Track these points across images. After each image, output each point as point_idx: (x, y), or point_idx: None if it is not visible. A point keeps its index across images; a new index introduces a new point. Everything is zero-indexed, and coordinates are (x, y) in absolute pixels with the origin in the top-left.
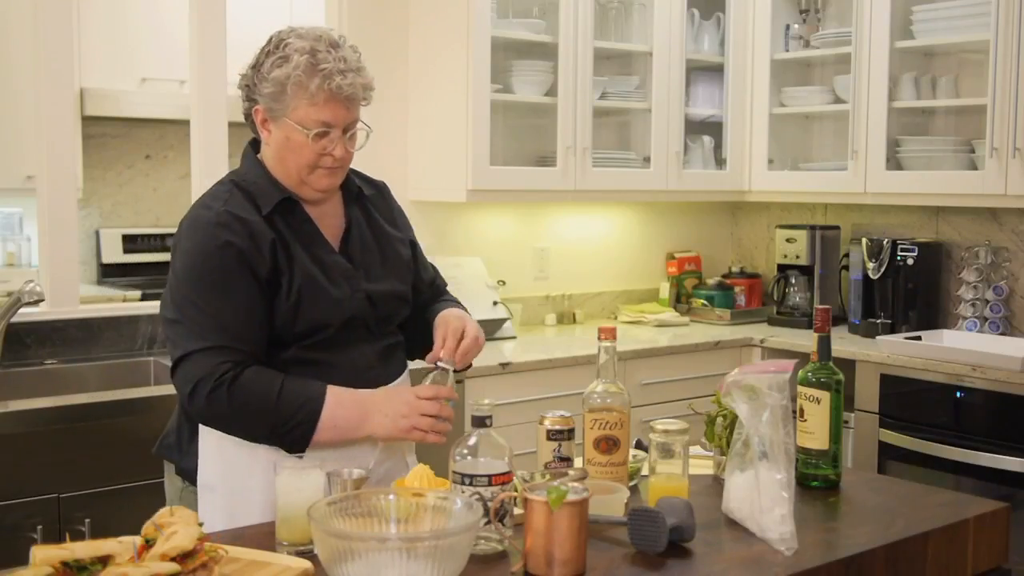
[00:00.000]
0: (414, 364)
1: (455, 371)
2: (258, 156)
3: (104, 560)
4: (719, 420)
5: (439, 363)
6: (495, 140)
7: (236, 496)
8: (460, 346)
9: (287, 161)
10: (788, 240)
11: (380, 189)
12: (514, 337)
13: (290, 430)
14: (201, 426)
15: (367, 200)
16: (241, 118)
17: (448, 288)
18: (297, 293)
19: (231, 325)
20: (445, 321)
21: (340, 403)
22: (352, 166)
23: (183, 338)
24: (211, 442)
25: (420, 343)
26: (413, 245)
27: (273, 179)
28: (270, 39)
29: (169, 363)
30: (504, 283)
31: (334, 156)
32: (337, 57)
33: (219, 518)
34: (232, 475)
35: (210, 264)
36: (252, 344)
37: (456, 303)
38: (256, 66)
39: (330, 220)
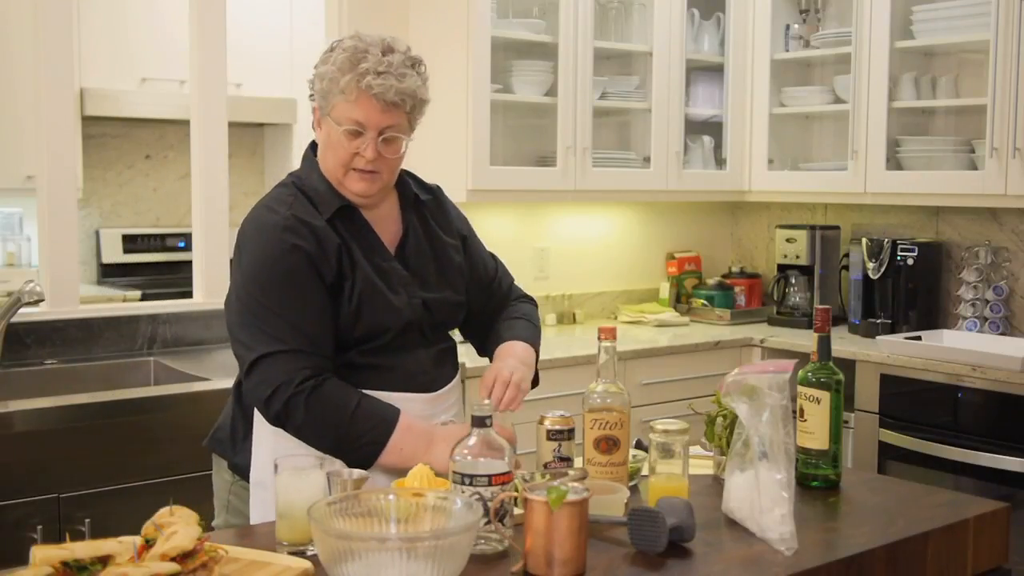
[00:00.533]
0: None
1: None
2: (316, 159)
3: (104, 560)
4: (719, 420)
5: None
6: (495, 140)
7: None
8: (504, 396)
9: (327, 160)
10: (788, 240)
11: (435, 193)
12: None
13: (359, 448)
14: (256, 424)
15: (424, 206)
16: (241, 118)
17: (518, 292)
18: (358, 298)
19: (307, 329)
20: (497, 368)
21: (410, 429)
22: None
23: (258, 340)
24: (266, 441)
25: (488, 344)
26: (465, 244)
27: (330, 184)
28: (334, 41)
29: (241, 365)
30: None
31: (365, 157)
32: (381, 60)
33: (270, 515)
34: None
35: (280, 267)
36: (326, 348)
37: (527, 314)
38: (316, 66)
39: (387, 226)
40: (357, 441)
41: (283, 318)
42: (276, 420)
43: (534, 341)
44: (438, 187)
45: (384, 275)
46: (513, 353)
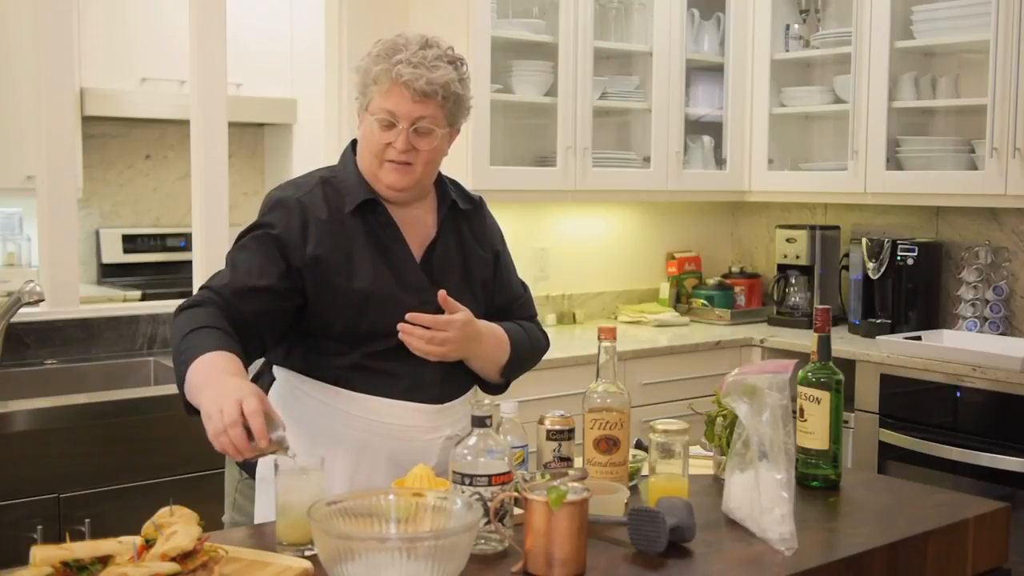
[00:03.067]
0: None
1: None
2: (354, 155)
3: (104, 560)
4: (719, 420)
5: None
6: (495, 140)
7: None
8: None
9: (364, 154)
10: (788, 240)
11: (476, 204)
12: None
13: (176, 369)
14: None
15: (460, 214)
16: (241, 118)
17: (534, 321)
18: (362, 294)
19: (234, 279)
20: (461, 310)
21: (203, 367)
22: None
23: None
24: None
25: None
26: (496, 260)
27: (362, 179)
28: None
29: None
30: None
31: (396, 148)
32: (416, 53)
33: (274, 513)
34: None
35: (253, 234)
36: (242, 303)
37: (528, 329)
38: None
39: (418, 228)
40: (176, 360)
41: (229, 273)
42: None
43: (516, 341)
44: (481, 199)
45: (398, 275)
46: (483, 323)
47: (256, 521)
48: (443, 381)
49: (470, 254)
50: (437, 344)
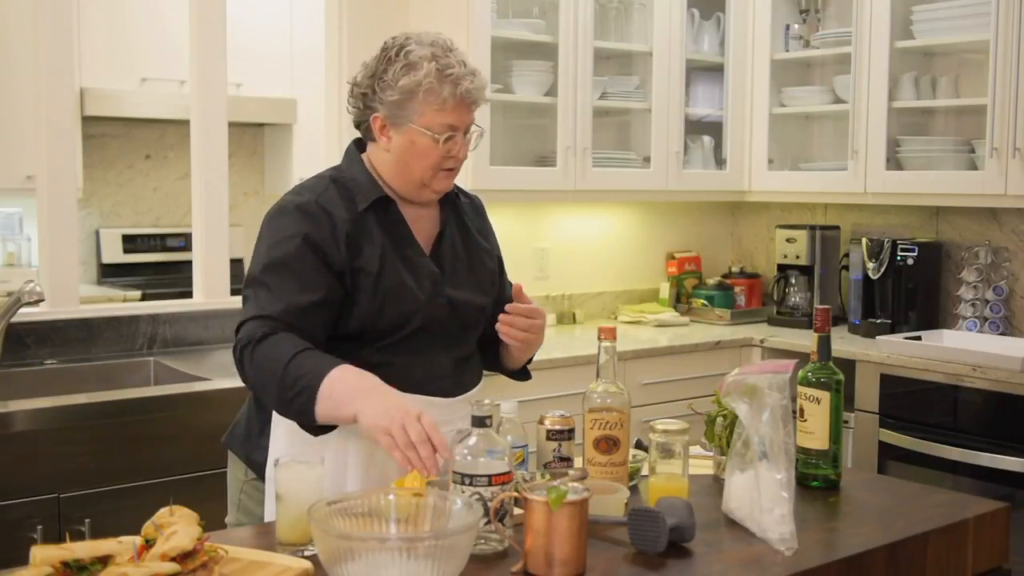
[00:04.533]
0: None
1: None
2: (362, 156)
3: (104, 560)
4: (719, 420)
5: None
6: (495, 140)
7: None
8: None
9: (411, 165)
10: (788, 240)
11: (475, 202)
12: None
13: (294, 396)
14: (274, 420)
15: (462, 208)
16: (241, 118)
17: None
18: (383, 292)
19: (288, 300)
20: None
21: (343, 377)
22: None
23: (248, 311)
24: (282, 436)
25: (488, 357)
26: (499, 261)
27: (373, 178)
28: (387, 47)
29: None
30: None
31: (457, 158)
32: (457, 61)
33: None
34: None
35: (285, 249)
36: (306, 322)
37: None
38: (376, 75)
39: (424, 223)
40: (293, 387)
41: (275, 295)
42: (244, 380)
43: None
44: (479, 198)
45: (412, 269)
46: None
47: (266, 520)
48: (455, 373)
49: (475, 247)
50: (536, 332)
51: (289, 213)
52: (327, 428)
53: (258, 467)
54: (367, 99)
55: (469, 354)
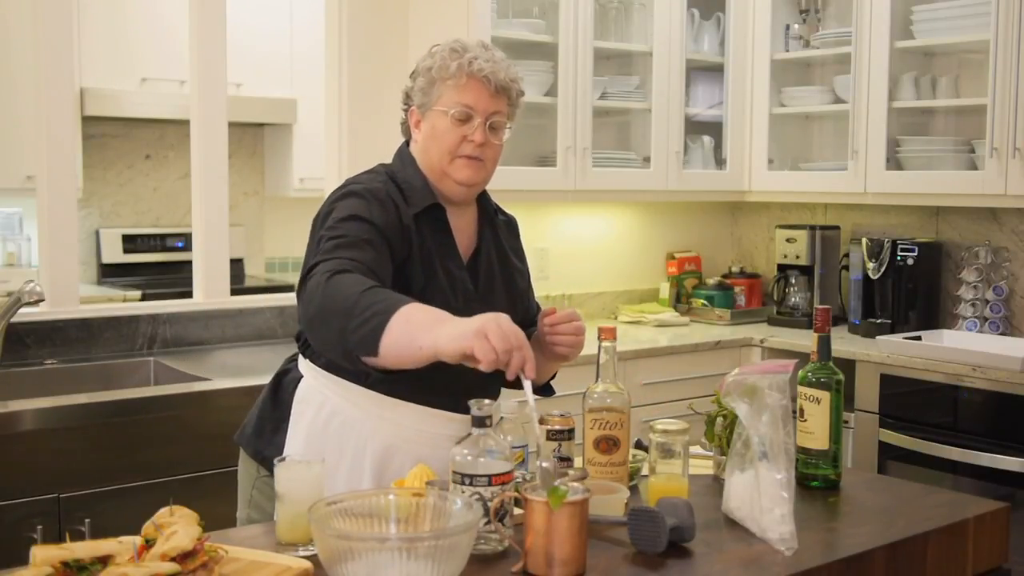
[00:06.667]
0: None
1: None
2: (411, 155)
3: (104, 560)
4: (719, 420)
5: (475, 412)
6: None
7: None
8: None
9: (431, 151)
10: (788, 240)
11: (511, 222)
12: None
13: (362, 324)
14: (293, 416)
15: (498, 225)
16: (241, 118)
17: None
18: (420, 296)
19: (364, 257)
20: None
21: (421, 308)
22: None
23: (318, 256)
24: (299, 434)
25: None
26: (528, 281)
27: (427, 182)
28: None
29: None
30: None
31: (474, 141)
32: (484, 50)
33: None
34: None
35: (356, 217)
36: (379, 266)
37: None
38: (413, 73)
39: (464, 236)
40: (363, 315)
41: (351, 248)
42: (301, 309)
43: None
44: (514, 218)
45: (451, 280)
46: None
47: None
48: (477, 390)
49: (509, 264)
50: (582, 333)
51: (359, 194)
52: (386, 371)
53: (269, 464)
54: (407, 97)
55: (495, 375)
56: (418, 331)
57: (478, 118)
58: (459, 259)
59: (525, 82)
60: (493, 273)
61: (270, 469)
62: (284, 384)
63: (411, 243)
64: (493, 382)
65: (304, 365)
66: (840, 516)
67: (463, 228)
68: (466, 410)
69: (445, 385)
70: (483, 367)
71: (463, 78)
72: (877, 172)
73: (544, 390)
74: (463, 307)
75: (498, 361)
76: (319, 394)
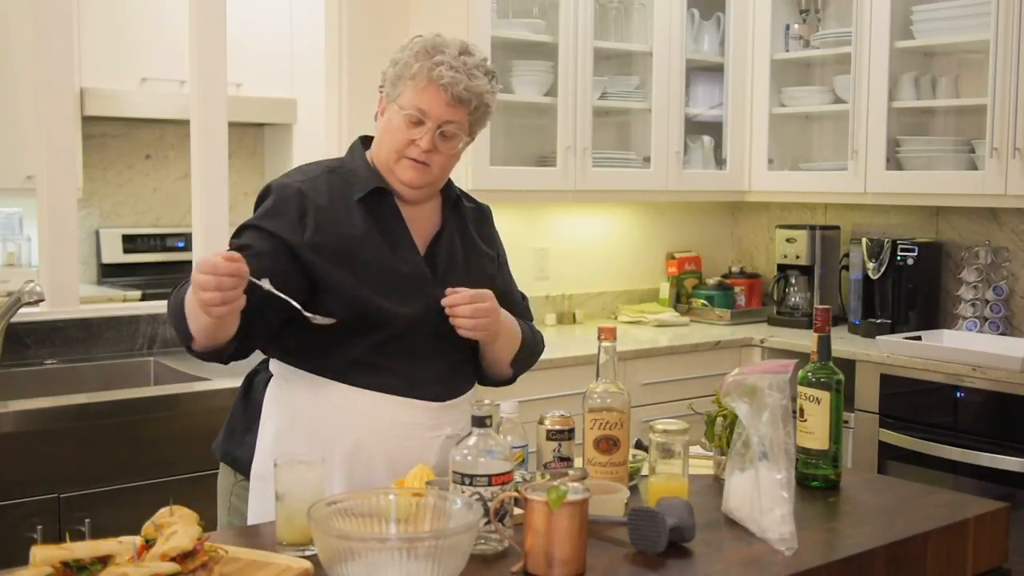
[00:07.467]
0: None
1: None
2: (364, 150)
3: (104, 560)
4: (719, 420)
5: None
6: (495, 140)
7: None
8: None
9: (383, 144)
10: (788, 240)
11: (481, 209)
12: None
13: (179, 321)
14: (263, 417)
15: (466, 213)
16: (241, 118)
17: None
18: (362, 285)
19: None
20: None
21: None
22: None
23: None
24: (268, 434)
25: (477, 368)
26: (500, 266)
27: (373, 169)
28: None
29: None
30: None
31: (420, 147)
32: (457, 58)
33: (268, 509)
34: None
35: (250, 227)
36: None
37: (533, 329)
38: (391, 57)
39: (423, 224)
40: (179, 311)
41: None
42: None
43: (524, 332)
44: (488, 207)
45: (403, 268)
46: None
47: (249, 521)
48: (445, 378)
49: (474, 251)
50: (483, 315)
51: (268, 192)
52: (219, 354)
53: (243, 465)
54: (383, 79)
55: (461, 358)
56: (192, 304)
57: (429, 123)
58: (412, 245)
59: (525, 82)
60: (454, 259)
61: (243, 471)
62: (255, 384)
63: (335, 232)
64: (462, 370)
65: (273, 364)
66: (840, 516)
67: (424, 215)
68: (432, 397)
69: (410, 372)
70: (209, 297)
71: (423, 81)
72: (877, 172)
73: (500, 383)
74: (418, 292)
75: (218, 283)
76: (287, 392)
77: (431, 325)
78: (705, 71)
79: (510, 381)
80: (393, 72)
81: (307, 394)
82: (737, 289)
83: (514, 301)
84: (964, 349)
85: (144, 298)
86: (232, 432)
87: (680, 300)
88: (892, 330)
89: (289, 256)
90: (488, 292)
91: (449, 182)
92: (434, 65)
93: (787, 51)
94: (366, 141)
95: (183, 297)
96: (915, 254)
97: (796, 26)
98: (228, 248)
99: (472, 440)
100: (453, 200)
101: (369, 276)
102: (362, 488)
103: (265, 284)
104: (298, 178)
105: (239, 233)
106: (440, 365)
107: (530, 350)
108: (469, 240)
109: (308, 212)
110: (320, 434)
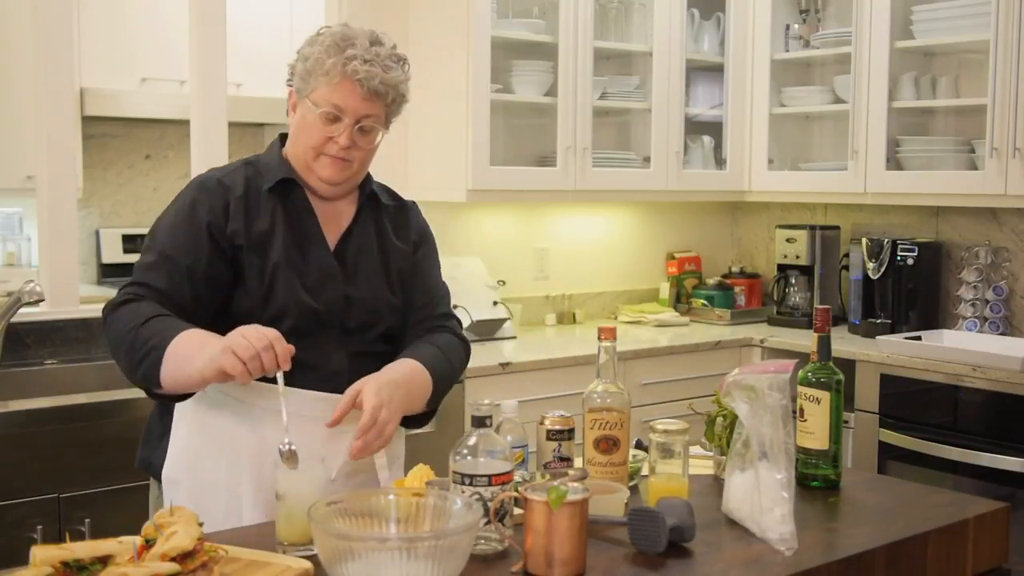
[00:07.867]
0: None
1: None
2: (281, 147)
3: (104, 560)
4: (719, 420)
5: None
6: (495, 140)
7: (201, 490)
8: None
9: (298, 143)
10: (788, 240)
11: (403, 205)
12: (514, 337)
13: (142, 359)
14: (175, 419)
15: (382, 208)
16: (241, 118)
17: (449, 323)
18: (271, 276)
19: (165, 268)
20: (358, 391)
21: (190, 336)
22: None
23: (133, 277)
24: (180, 437)
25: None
26: (422, 259)
27: (284, 161)
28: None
29: None
30: (504, 283)
31: (338, 143)
32: (369, 49)
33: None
34: (197, 469)
35: (178, 217)
36: (182, 297)
37: (444, 345)
38: (299, 51)
39: (335, 218)
40: (141, 350)
41: (154, 261)
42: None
43: (434, 366)
44: (413, 203)
45: (307, 259)
46: (391, 370)
47: None
48: (352, 371)
49: (388, 245)
50: (383, 424)
51: (189, 187)
52: (179, 397)
53: (155, 470)
54: (290, 72)
55: (371, 352)
56: (184, 363)
57: (347, 120)
58: (320, 238)
59: (525, 82)
60: (365, 254)
61: (156, 475)
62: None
63: (251, 222)
64: (372, 363)
65: None
66: (840, 516)
67: (337, 210)
68: (338, 389)
69: (317, 365)
70: (240, 380)
71: (337, 77)
72: (877, 172)
73: (417, 422)
74: (325, 287)
75: (249, 370)
76: (197, 392)
77: (337, 318)
78: (705, 71)
79: (428, 418)
80: (303, 67)
81: (215, 393)
82: (737, 289)
83: (433, 294)
84: (964, 349)
85: None
86: (149, 438)
87: (680, 300)
88: (892, 330)
89: (214, 249)
90: (371, 396)
91: (368, 178)
92: (347, 60)
93: (787, 51)
94: (285, 138)
95: (148, 338)
96: (915, 254)
97: (796, 26)
98: (132, 278)
99: (472, 440)
100: (367, 194)
101: (278, 269)
102: (270, 484)
103: (280, 377)
104: (216, 173)
105: (147, 264)
106: (348, 356)
107: (446, 381)
108: (384, 235)
109: (230, 204)
110: (228, 432)
